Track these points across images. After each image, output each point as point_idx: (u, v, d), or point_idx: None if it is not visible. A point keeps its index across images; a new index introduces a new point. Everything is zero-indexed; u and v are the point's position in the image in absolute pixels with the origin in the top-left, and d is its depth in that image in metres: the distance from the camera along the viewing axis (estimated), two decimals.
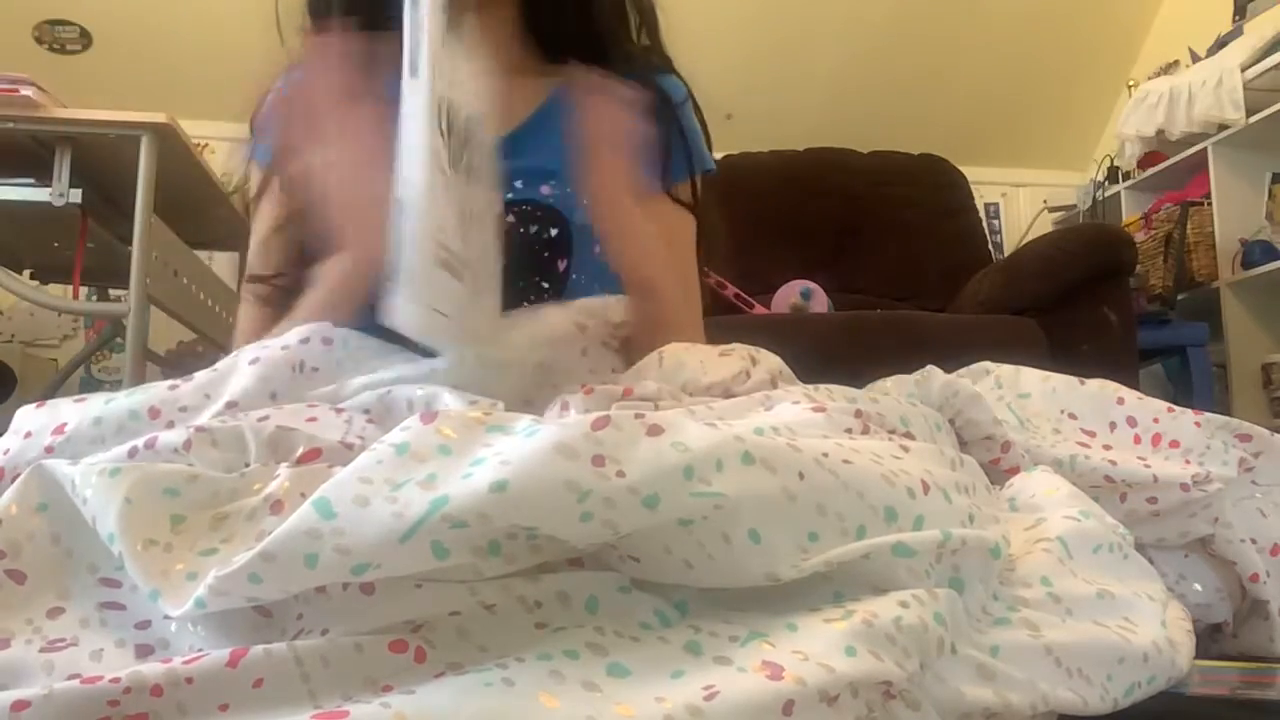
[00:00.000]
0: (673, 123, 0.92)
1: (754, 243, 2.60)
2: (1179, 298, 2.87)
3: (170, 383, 0.63)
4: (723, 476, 0.42)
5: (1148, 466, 0.66)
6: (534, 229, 0.88)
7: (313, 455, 0.54)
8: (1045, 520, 0.56)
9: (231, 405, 0.60)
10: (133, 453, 0.54)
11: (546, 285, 0.89)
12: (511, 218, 0.88)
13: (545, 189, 0.88)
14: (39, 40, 3.10)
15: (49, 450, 0.57)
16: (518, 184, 0.89)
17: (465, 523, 0.38)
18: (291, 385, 0.64)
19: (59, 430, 0.59)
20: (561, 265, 0.89)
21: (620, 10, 0.94)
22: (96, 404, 0.60)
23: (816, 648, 0.38)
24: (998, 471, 0.67)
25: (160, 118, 1.88)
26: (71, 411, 0.60)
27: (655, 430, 0.42)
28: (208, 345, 2.31)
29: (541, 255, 0.88)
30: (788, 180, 2.79)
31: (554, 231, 0.88)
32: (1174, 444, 0.68)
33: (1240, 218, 2.93)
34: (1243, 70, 2.80)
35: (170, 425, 0.59)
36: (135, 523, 0.44)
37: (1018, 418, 0.73)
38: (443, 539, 0.39)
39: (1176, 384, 2.73)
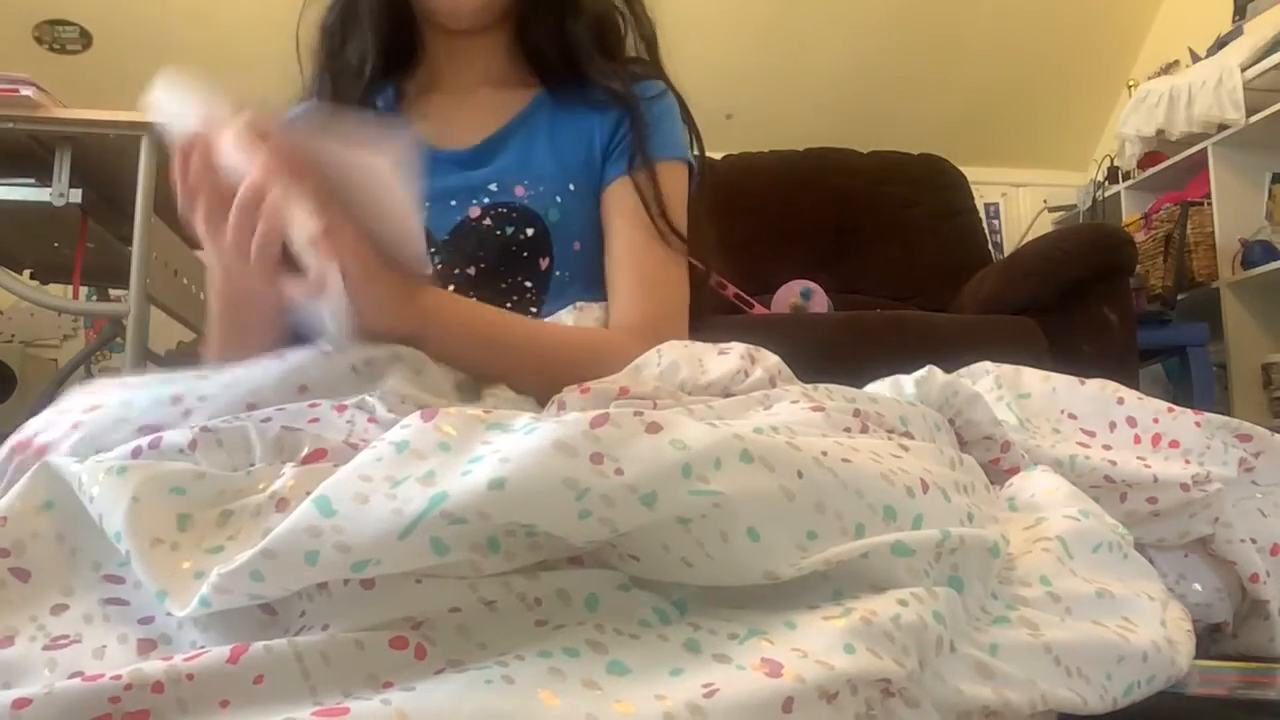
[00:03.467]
0: (639, 115, 0.92)
1: (754, 243, 2.60)
2: (1179, 298, 2.87)
3: (198, 373, 0.64)
4: (721, 475, 0.42)
5: (1148, 466, 0.66)
6: (510, 230, 0.89)
7: (318, 455, 0.54)
8: (1045, 520, 0.56)
9: (252, 407, 0.60)
10: (136, 452, 0.54)
11: (530, 285, 0.89)
12: (488, 221, 0.89)
13: (519, 190, 0.90)
14: (39, 40, 3.10)
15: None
16: (492, 187, 0.90)
17: (464, 519, 0.38)
18: (324, 380, 0.63)
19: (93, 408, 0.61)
20: (544, 264, 0.90)
21: (604, 26, 0.96)
22: (120, 393, 0.62)
23: (815, 645, 0.38)
24: (998, 471, 0.67)
25: None
26: (111, 389, 0.63)
27: (654, 428, 0.42)
28: None
29: (521, 256, 0.89)
30: (788, 180, 2.79)
31: (530, 232, 0.89)
32: (1174, 444, 0.68)
33: (1240, 218, 2.93)
34: (1243, 70, 2.81)
35: (187, 414, 0.59)
36: (143, 521, 0.44)
37: (1018, 418, 0.73)
38: (442, 535, 0.39)
39: (1176, 384, 2.73)
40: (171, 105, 0.61)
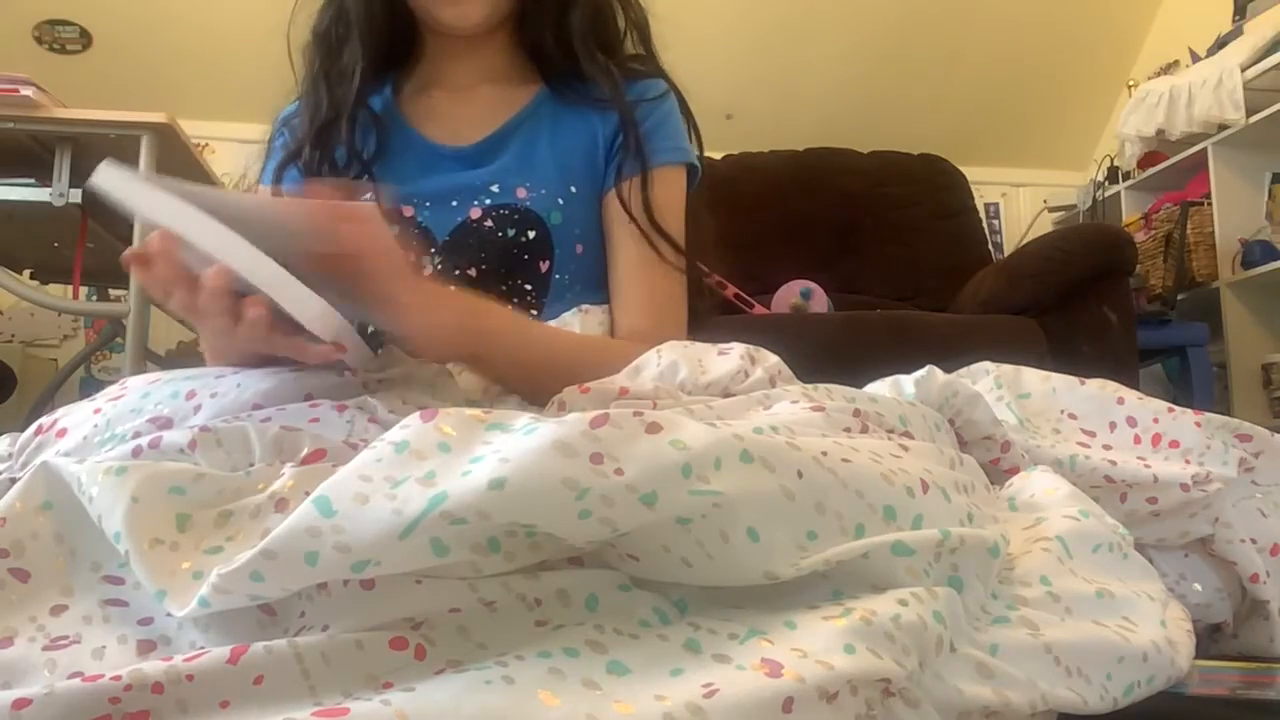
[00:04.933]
0: (640, 118, 0.92)
1: (754, 243, 2.60)
2: (1179, 298, 2.87)
3: (218, 371, 0.64)
4: (721, 475, 0.42)
5: (1148, 467, 0.66)
6: (511, 232, 0.88)
7: (318, 456, 0.54)
8: (1045, 519, 0.56)
9: (259, 408, 0.60)
10: (137, 452, 0.54)
11: (530, 287, 0.89)
12: (490, 223, 0.89)
13: (521, 192, 0.89)
14: (39, 40, 3.10)
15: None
16: (494, 188, 0.89)
17: (464, 520, 0.38)
18: (334, 392, 0.63)
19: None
20: (544, 267, 0.89)
21: (603, 25, 0.96)
22: (144, 385, 0.63)
23: (815, 645, 0.38)
24: (998, 471, 0.67)
25: (160, 118, 1.89)
26: (138, 382, 0.64)
27: (654, 428, 0.42)
28: None
29: (521, 258, 0.89)
30: (788, 180, 2.79)
31: (532, 234, 0.89)
32: (1174, 444, 0.68)
33: (1240, 218, 2.93)
34: (1243, 70, 2.80)
35: (198, 409, 0.60)
36: (142, 521, 0.44)
37: (1018, 418, 0.73)
38: (442, 536, 0.39)
39: (1176, 384, 2.73)
40: (119, 194, 0.59)
